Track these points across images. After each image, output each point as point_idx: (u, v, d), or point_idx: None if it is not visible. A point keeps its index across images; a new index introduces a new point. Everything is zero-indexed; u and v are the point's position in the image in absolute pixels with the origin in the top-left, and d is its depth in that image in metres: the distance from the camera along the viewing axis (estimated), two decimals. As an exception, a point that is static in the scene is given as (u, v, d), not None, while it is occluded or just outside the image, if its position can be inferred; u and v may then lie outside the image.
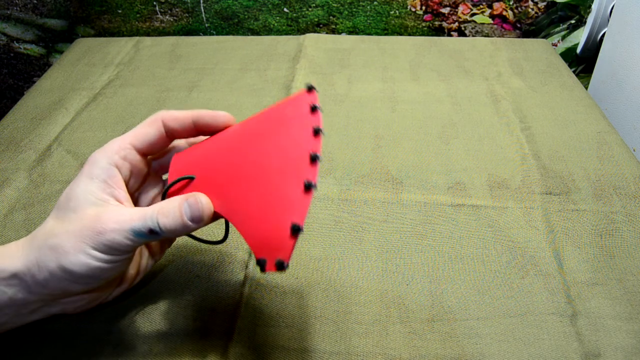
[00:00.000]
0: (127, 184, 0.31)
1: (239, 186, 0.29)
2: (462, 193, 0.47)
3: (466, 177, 0.48)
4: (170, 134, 0.32)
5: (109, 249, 0.27)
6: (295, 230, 0.26)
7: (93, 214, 0.28)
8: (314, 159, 0.27)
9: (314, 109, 0.29)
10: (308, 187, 0.27)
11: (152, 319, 0.36)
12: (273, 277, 0.39)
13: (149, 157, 0.34)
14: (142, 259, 0.34)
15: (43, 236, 0.28)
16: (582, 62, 0.84)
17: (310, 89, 0.31)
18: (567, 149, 0.52)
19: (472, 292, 0.38)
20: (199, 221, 0.28)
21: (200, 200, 0.29)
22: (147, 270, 0.34)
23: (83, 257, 0.27)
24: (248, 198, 0.29)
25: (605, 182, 0.48)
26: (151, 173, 0.34)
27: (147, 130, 0.32)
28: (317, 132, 0.28)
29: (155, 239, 0.28)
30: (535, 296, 0.37)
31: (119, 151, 0.30)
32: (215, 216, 0.30)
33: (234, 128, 0.32)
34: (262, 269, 0.27)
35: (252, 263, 0.40)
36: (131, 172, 0.32)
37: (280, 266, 0.26)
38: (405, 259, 0.40)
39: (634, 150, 0.66)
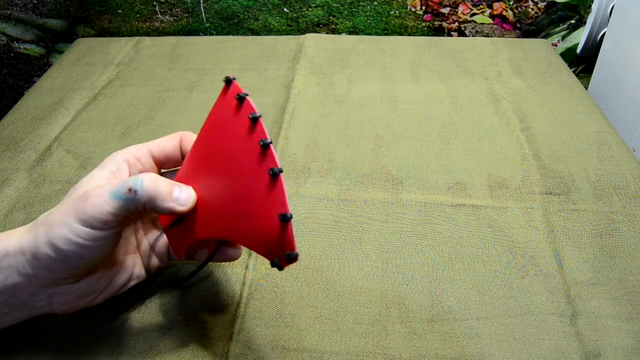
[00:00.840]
0: None
1: (218, 206, 0.30)
2: (462, 193, 0.47)
3: (466, 177, 0.48)
4: (184, 154, 0.34)
5: (90, 218, 0.27)
6: (285, 220, 0.25)
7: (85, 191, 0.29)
8: (264, 146, 0.27)
9: (240, 99, 0.29)
10: (274, 174, 0.26)
11: (151, 319, 0.36)
12: (273, 277, 0.39)
13: (162, 170, 0.35)
14: (135, 268, 0.34)
15: (45, 216, 0.29)
16: (582, 62, 0.84)
17: (229, 82, 0.30)
18: (567, 149, 0.52)
19: (472, 292, 0.38)
20: (184, 204, 0.30)
21: (190, 188, 0.31)
22: (138, 280, 0.34)
23: (65, 230, 0.27)
24: (231, 214, 0.29)
25: (605, 182, 0.48)
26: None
27: (166, 141, 0.34)
28: (254, 119, 0.28)
29: (132, 204, 0.28)
30: (535, 296, 0.37)
31: (135, 152, 0.33)
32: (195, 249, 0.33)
33: (193, 152, 0.33)
34: (280, 268, 0.27)
35: (252, 263, 0.40)
36: (140, 173, 0.33)
37: (290, 258, 0.26)
38: (405, 259, 0.40)
39: (634, 150, 0.66)
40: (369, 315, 0.36)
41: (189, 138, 0.34)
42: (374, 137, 0.54)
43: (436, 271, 0.39)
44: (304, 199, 0.46)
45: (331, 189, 0.47)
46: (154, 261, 0.35)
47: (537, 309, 0.36)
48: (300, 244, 0.42)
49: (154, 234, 0.35)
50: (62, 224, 0.27)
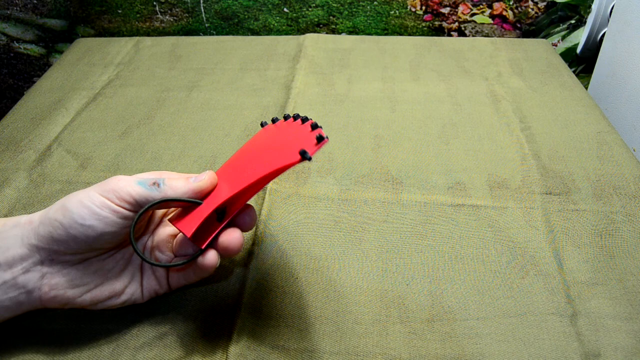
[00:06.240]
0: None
1: (249, 162, 0.33)
2: (462, 193, 0.47)
3: (466, 177, 0.48)
4: None
5: (112, 193, 0.30)
6: (316, 127, 0.30)
7: None
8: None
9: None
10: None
11: (151, 319, 0.36)
12: (273, 277, 0.39)
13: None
14: (132, 283, 0.34)
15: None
16: (582, 62, 0.84)
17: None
18: (567, 149, 0.52)
19: (472, 292, 0.38)
20: (201, 179, 0.32)
21: (204, 173, 0.33)
22: (131, 296, 0.34)
23: (83, 195, 0.30)
24: (265, 156, 0.32)
25: (605, 182, 0.48)
26: (165, 219, 0.36)
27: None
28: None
29: (153, 195, 0.30)
30: (535, 296, 0.37)
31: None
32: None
33: (229, 164, 0.35)
34: (310, 158, 0.29)
35: (253, 263, 0.40)
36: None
37: (320, 138, 0.29)
38: (405, 259, 0.40)
39: (634, 150, 0.66)
40: (369, 315, 0.36)
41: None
42: (374, 137, 0.54)
43: (436, 271, 0.39)
44: (303, 199, 0.46)
45: (331, 189, 0.47)
46: (153, 285, 0.35)
47: (537, 309, 0.36)
48: (300, 244, 0.42)
49: (158, 255, 0.35)
50: (84, 194, 0.30)
